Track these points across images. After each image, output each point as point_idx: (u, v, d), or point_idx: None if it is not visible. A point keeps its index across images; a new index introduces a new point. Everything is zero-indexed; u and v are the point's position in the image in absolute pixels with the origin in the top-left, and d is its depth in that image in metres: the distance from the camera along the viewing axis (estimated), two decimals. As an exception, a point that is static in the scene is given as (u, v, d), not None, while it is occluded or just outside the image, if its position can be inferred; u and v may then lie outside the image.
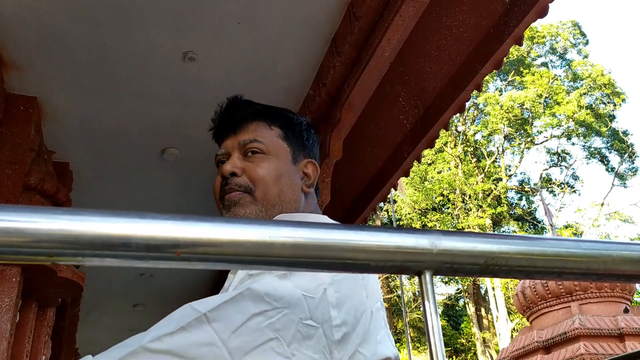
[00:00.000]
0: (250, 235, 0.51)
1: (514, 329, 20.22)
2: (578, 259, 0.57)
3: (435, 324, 0.54)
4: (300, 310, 0.83)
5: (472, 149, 24.87)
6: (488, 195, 23.65)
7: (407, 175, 3.39)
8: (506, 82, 25.46)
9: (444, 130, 3.10)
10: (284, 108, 1.23)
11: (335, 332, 0.85)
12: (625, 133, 24.94)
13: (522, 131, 24.59)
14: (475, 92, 2.81)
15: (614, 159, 25.44)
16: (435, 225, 23.28)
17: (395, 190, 3.75)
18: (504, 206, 23.66)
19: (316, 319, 0.84)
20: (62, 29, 2.57)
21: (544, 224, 23.91)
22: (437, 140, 3.22)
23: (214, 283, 5.60)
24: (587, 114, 23.94)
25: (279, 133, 1.15)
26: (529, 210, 25.41)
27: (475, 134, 25.24)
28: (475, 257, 0.56)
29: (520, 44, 2.49)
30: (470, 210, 23.54)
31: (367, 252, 0.54)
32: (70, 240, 0.47)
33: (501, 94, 24.78)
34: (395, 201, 23.12)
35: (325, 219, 1.13)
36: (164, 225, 0.50)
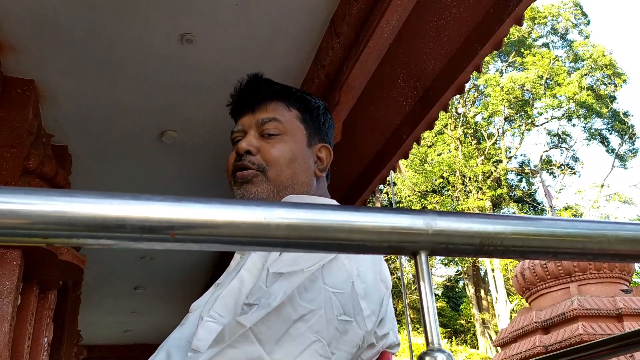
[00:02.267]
0: (245, 217, 0.51)
1: (513, 310, 20.38)
2: (573, 239, 0.57)
3: (431, 305, 0.54)
4: (334, 308, 0.83)
5: (472, 130, 24.82)
6: (488, 177, 23.67)
7: (406, 157, 3.38)
8: (507, 63, 25.33)
9: (444, 112, 3.09)
10: (303, 90, 1.24)
11: (367, 322, 0.87)
12: (625, 114, 24.87)
13: (522, 113, 24.52)
14: (475, 73, 2.79)
15: (614, 140, 25.42)
16: (435, 207, 23.32)
17: (395, 172, 3.74)
18: (503, 188, 23.69)
19: (348, 313, 0.84)
20: (59, 10, 2.55)
21: (543, 205, 23.96)
22: (436, 122, 3.21)
23: (215, 265, 5.62)
24: (587, 95, 23.85)
25: (297, 115, 1.16)
26: (529, 192, 25.44)
27: (475, 115, 25.18)
28: (471, 237, 0.56)
29: (521, 24, 2.47)
30: (470, 192, 23.57)
31: (363, 233, 0.54)
32: (65, 221, 0.47)
33: (502, 76, 24.67)
34: (395, 183, 23.14)
35: (332, 202, 1.13)
36: (158, 207, 0.50)
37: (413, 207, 23.47)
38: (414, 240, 0.55)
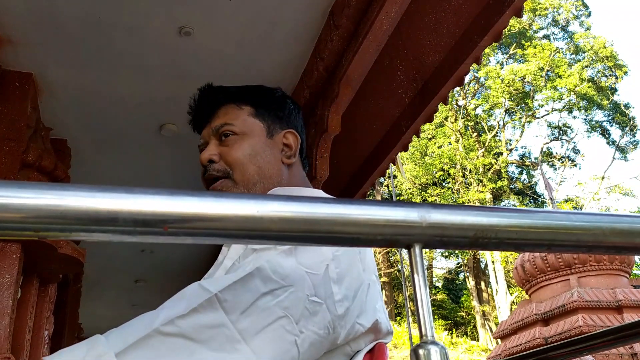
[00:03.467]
0: (238, 210, 0.51)
1: (513, 302, 20.43)
2: (568, 231, 0.57)
3: (425, 297, 0.54)
4: (306, 287, 0.83)
5: (472, 123, 24.80)
6: (488, 169, 23.67)
7: (405, 150, 3.38)
8: (507, 55, 25.26)
9: (443, 105, 3.08)
10: (256, 85, 1.24)
11: (338, 307, 0.86)
12: (626, 106, 24.84)
13: (523, 105, 24.50)
14: (475, 65, 2.78)
15: (615, 132, 25.41)
16: (435, 200, 23.34)
17: (394, 165, 3.74)
18: (504, 180, 23.71)
19: (320, 295, 0.84)
20: (56, 3, 2.53)
21: (544, 198, 23.97)
22: (437, 115, 3.21)
23: (214, 258, 5.63)
24: (588, 87, 23.81)
25: (249, 111, 1.16)
26: (529, 184, 25.46)
27: (476, 108, 25.15)
28: (465, 229, 0.56)
29: (520, 16, 2.46)
30: (471, 184, 23.58)
31: (357, 226, 0.54)
32: (57, 215, 0.47)
33: (502, 68, 24.61)
34: (395, 176, 23.14)
35: (320, 193, 1.13)
36: (151, 200, 0.49)
37: (413, 200, 23.49)
38: (408, 233, 0.55)
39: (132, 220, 0.48)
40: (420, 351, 0.51)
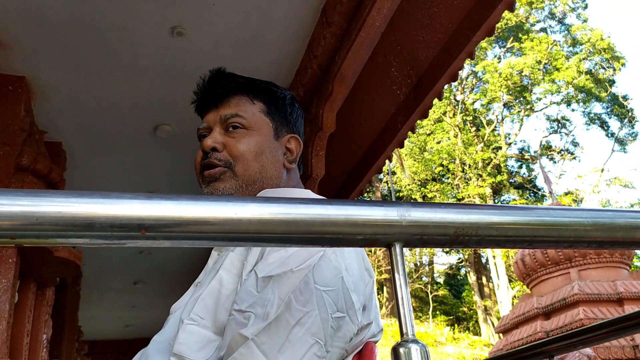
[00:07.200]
0: (216, 212, 0.51)
1: (514, 296, 20.42)
2: (549, 227, 0.57)
3: (405, 296, 0.54)
4: (328, 306, 0.84)
5: (471, 117, 24.77)
6: (488, 164, 23.65)
7: (401, 146, 3.38)
8: (505, 49, 25.22)
9: (438, 100, 3.07)
10: (268, 81, 1.21)
11: (359, 315, 0.88)
12: (625, 98, 24.80)
13: (521, 98, 24.46)
14: (473, 60, 2.78)
15: (614, 124, 25.40)
16: (435, 195, 23.33)
17: (391, 162, 3.74)
18: (503, 175, 23.67)
19: (341, 309, 0.85)
20: (48, 5, 2.53)
21: (544, 191, 23.95)
22: (435, 110, 3.21)
23: (214, 258, 5.62)
24: (586, 80, 23.77)
25: (261, 108, 1.13)
26: (529, 178, 25.43)
27: (474, 102, 25.11)
28: (445, 227, 0.55)
29: (512, 10, 2.46)
30: (470, 179, 23.56)
31: (336, 226, 0.54)
32: (33, 221, 0.47)
33: (500, 61, 24.57)
34: (394, 172, 23.14)
35: (308, 193, 1.12)
36: (128, 205, 0.49)
37: (413, 196, 23.48)
38: (388, 232, 0.54)
39: (109, 225, 0.48)
40: (401, 350, 0.51)
